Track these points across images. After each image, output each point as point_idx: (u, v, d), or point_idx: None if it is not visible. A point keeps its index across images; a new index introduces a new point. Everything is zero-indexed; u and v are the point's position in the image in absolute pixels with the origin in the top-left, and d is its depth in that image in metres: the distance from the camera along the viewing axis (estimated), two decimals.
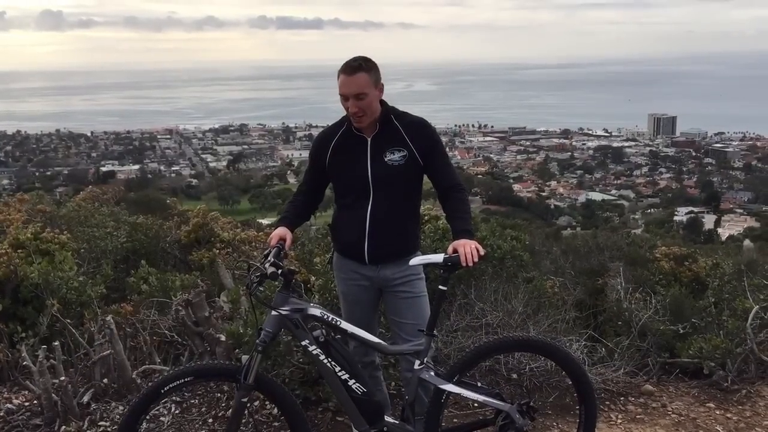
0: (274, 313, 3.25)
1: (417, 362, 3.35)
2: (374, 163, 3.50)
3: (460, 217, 3.50)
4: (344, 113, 3.60)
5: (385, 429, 3.38)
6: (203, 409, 4.58)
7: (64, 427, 4.25)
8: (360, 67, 3.37)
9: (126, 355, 4.73)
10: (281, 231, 3.56)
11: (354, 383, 3.33)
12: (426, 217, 6.19)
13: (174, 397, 4.60)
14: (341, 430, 4.29)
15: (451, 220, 3.57)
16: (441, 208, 3.70)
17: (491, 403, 3.44)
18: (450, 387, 3.34)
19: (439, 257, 3.31)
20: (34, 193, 11.18)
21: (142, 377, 4.81)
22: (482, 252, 3.26)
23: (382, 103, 3.53)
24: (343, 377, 3.31)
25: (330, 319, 3.33)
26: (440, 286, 3.29)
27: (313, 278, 5.39)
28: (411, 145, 3.51)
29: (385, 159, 3.49)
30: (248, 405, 3.33)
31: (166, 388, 3.17)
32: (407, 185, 3.58)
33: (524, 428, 3.39)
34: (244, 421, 3.95)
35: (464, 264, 3.20)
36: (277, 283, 3.34)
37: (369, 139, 3.52)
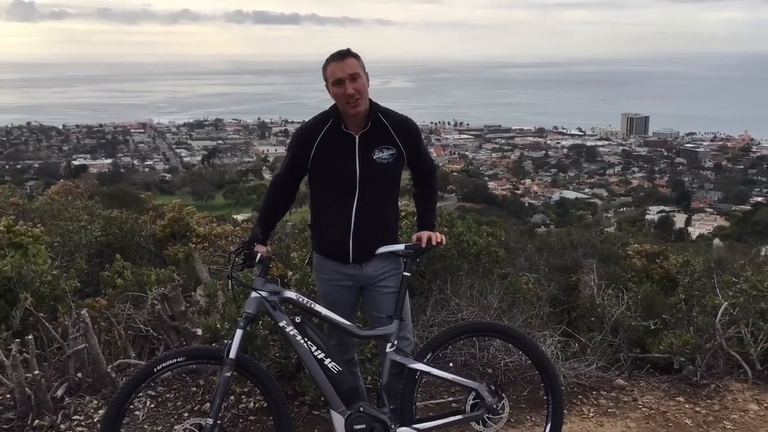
0: (254, 295, 3.41)
1: (388, 345, 3.51)
2: (362, 161, 3.49)
3: (427, 210, 3.82)
4: (324, 108, 3.61)
5: (361, 409, 3.46)
6: (179, 403, 4.58)
7: (37, 421, 4.21)
8: (348, 53, 3.45)
9: (101, 350, 4.70)
10: (257, 250, 3.57)
11: (330, 362, 3.44)
12: (403, 213, 6.22)
13: (149, 392, 4.60)
14: (318, 424, 4.31)
15: (418, 209, 3.87)
16: (413, 194, 3.91)
17: (461, 381, 3.65)
18: (420, 366, 3.54)
19: (401, 246, 3.59)
20: (6, 186, 10.99)
21: (116, 371, 4.78)
22: (440, 238, 3.66)
23: (369, 100, 3.53)
24: (319, 356, 3.43)
25: (304, 302, 3.50)
26: (404, 272, 3.58)
27: (290, 273, 5.39)
28: (399, 144, 3.55)
29: (374, 157, 3.50)
30: (231, 380, 3.41)
31: (158, 368, 3.31)
32: (391, 182, 3.63)
33: (493, 406, 3.56)
34: (220, 414, 3.96)
35: (424, 245, 3.60)
36: (255, 269, 3.51)
37: (357, 137, 3.51)
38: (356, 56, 3.46)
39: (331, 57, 3.46)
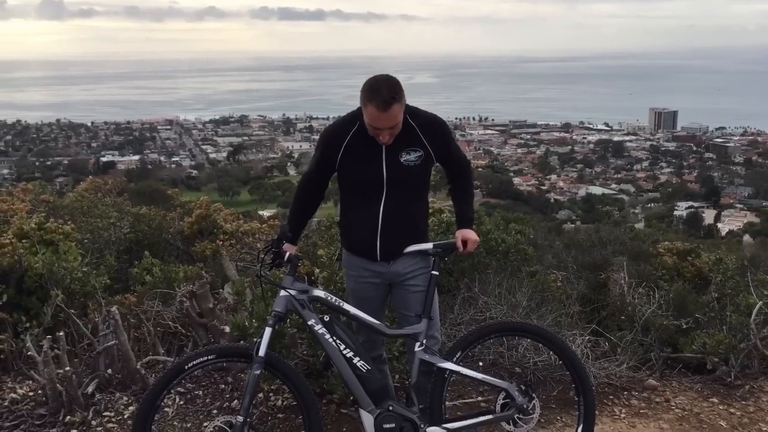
0: (283, 293, 3.42)
1: (417, 344, 3.50)
2: (389, 164, 3.44)
3: (464, 206, 3.77)
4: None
5: (390, 408, 3.44)
6: (207, 400, 4.60)
7: (68, 417, 4.25)
8: (393, 100, 3.23)
9: (130, 346, 4.73)
10: (286, 249, 3.57)
11: (358, 361, 3.43)
12: (429, 211, 6.17)
13: (178, 389, 4.62)
14: (346, 423, 4.30)
15: (454, 206, 3.81)
16: (448, 190, 3.89)
17: (491, 381, 3.64)
18: (450, 365, 3.53)
19: (429, 245, 3.58)
20: (37, 183, 11.14)
21: (146, 368, 4.81)
22: (474, 246, 3.69)
23: None
24: (347, 355, 3.42)
25: (333, 300, 3.50)
26: (432, 272, 3.56)
27: (317, 270, 5.38)
28: (427, 145, 3.48)
29: (401, 160, 3.44)
30: (261, 379, 3.45)
31: (189, 365, 3.35)
32: (419, 183, 3.58)
33: (523, 406, 3.54)
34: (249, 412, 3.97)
35: (460, 247, 3.60)
36: (284, 267, 3.54)
37: None
38: (399, 98, 3.26)
39: (375, 98, 3.23)
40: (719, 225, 58.75)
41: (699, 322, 5.86)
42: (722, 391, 4.92)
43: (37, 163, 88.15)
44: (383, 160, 3.45)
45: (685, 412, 4.60)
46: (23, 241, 5.87)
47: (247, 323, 4.42)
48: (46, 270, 5.50)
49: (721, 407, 4.68)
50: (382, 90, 3.24)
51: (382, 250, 3.54)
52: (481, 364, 4.92)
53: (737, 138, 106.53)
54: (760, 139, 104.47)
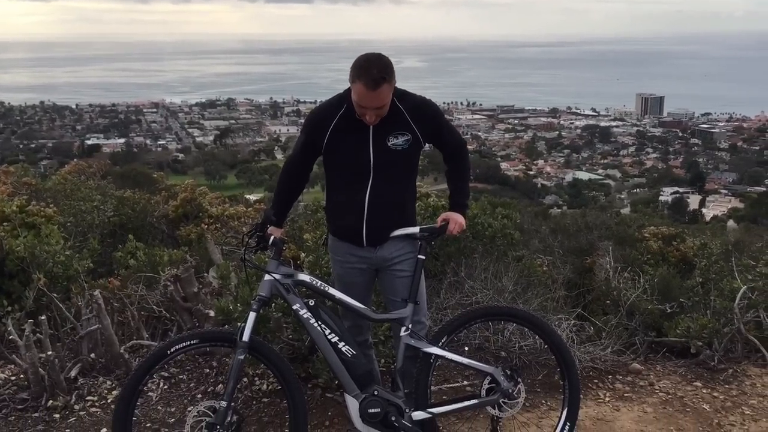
0: (267, 277, 3.38)
1: (402, 329, 3.48)
2: (376, 148, 3.38)
3: (457, 190, 3.72)
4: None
5: (375, 393, 3.42)
6: (192, 385, 4.58)
7: (51, 401, 4.22)
8: (383, 80, 3.16)
9: (113, 330, 4.69)
10: (270, 233, 3.55)
11: (344, 345, 3.40)
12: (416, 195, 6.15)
13: (162, 373, 4.59)
14: (331, 407, 4.29)
15: (449, 189, 3.76)
16: (443, 171, 3.83)
17: (476, 365, 3.62)
18: (435, 350, 3.50)
19: (416, 229, 3.54)
20: (19, 166, 11.03)
21: (129, 352, 4.78)
22: (460, 228, 3.62)
23: None
24: (332, 339, 3.39)
25: (318, 284, 3.46)
26: (419, 256, 3.51)
27: (303, 255, 5.35)
28: (415, 128, 3.41)
29: (388, 144, 3.39)
30: (245, 364, 3.44)
31: (172, 350, 3.31)
32: (407, 167, 3.52)
33: (509, 391, 3.53)
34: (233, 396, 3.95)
35: (438, 225, 3.57)
36: (269, 251, 3.52)
37: (371, 125, 3.39)
38: (389, 79, 3.20)
39: (364, 76, 3.16)
40: (704, 210, 59.19)
41: (683, 306, 5.88)
42: (706, 374, 4.94)
43: (21, 146, 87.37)
44: (370, 144, 3.39)
45: (669, 396, 4.62)
46: (4, 224, 5.81)
47: (231, 307, 4.39)
48: (27, 253, 5.44)
49: (704, 391, 4.71)
50: (373, 68, 3.18)
51: (368, 236, 3.50)
52: (466, 348, 4.91)
53: (723, 124, 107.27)
54: (745, 125, 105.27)
